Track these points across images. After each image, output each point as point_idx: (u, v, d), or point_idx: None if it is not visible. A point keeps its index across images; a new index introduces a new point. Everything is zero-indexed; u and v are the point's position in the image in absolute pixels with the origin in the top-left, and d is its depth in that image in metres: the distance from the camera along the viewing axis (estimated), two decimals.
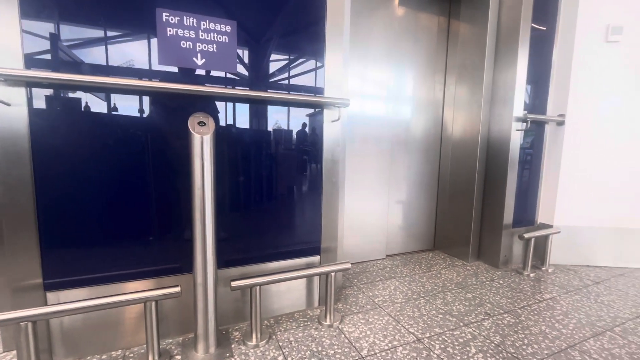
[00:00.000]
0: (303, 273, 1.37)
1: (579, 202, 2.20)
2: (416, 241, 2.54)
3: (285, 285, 1.51)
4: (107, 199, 1.18)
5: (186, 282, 1.32)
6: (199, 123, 1.17)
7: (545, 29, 2.10)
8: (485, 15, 2.11)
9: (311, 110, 1.47)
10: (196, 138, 1.14)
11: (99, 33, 1.11)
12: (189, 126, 1.14)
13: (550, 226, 2.20)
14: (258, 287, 1.29)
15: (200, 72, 1.26)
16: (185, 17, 1.20)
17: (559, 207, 2.22)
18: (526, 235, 2.02)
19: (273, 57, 1.37)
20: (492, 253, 2.22)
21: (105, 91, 1.14)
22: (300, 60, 1.42)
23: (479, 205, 2.25)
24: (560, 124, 2.15)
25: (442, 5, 2.39)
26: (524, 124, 2.07)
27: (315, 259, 1.57)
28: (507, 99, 2.07)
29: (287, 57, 1.40)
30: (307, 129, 1.47)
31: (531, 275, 2.06)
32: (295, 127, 1.45)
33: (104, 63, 1.13)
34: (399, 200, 2.43)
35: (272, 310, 1.50)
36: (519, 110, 2.05)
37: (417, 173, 2.47)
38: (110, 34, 1.13)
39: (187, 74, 1.24)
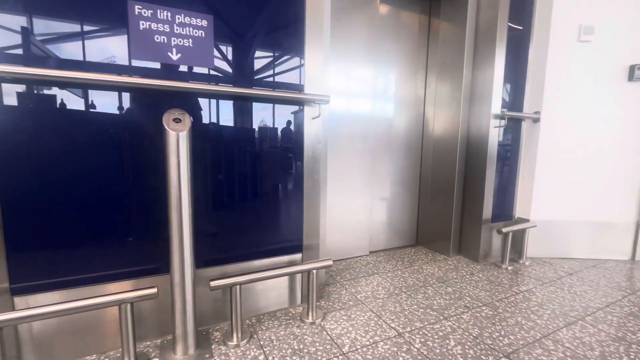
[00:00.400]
0: (283, 271, 1.36)
1: (554, 197, 2.28)
2: (399, 237, 2.57)
3: (267, 284, 1.50)
4: (79, 198, 1.13)
5: (165, 282, 1.29)
6: (174, 120, 1.14)
7: (521, 28, 2.16)
8: (464, 14, 2.14)
9: (292, 108, 1.46)
10: (171, 135, 1.11)
11: (67, 26, 1.07)
12: (164, 123, 1.11)
13: (527, 221, 2.27)
14: (238, 287, 1.27)
15: (178, 67, 1.23)
16: (159, 11, 1.17)
17: (535, 202, 2.29)
18: (504, 230, 2.07)
19: (251, 53, 1.35)
20: (472, 247, 2.27)
21: (72, 86, 1.10)
22: (280, 57, 1.41)
23: (459, 201, 2.29)
24: (536, 120, 2.22)
25: (423, 4, 2.41)
26: (502, 121, 2.12)
27: (297, 256, 1.56)
28: (485, 97, 2.11)
29: (266, 53, 1.38)
30: (287, 126, 1.46)
31: (509, 268, 2.12)
32: (275, 124, 1.43)
33: (73, 57, 1.08)
34: (382, 197, 2.45)
35: (254, 309, 1.49)
36: (496, 107, 2.09)
37: (400, 170, 2.49)
38: (79, 27, 1.08)
39: (161, 69, 1.20)
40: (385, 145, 2.40)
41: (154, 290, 1.16)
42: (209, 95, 1.28)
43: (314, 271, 1.43)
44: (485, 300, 1.67)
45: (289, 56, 1.42)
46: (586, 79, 2.16)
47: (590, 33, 2.08)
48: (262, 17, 1.35)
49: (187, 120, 1.15)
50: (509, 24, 2.09)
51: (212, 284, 1.24)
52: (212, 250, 1.37)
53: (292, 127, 1.47)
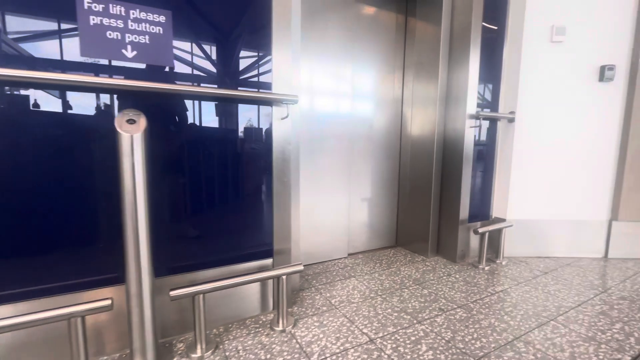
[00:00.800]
0: (248, 278, 1.30)
1: (530, 196, 2.29)
2: (378, 238, 2.55)
3: (237, 291, 1.44)
4: (25, 204, 1.05)
5: (123, 293, 1.22)
6: (127, 121, 1.07)
7: (496, 28, 2.16)
8: (438, 14, 2.13)
9: (260, 108, 1.40)
10: (124, 137, 1.04)
11: (11, 21, 0.99)
12: (116, 125, 1.04)
13: (504, 220, 2.28)
14: (201, 295, 1.21)
15: (134, 65, 1.16)
16: (111, 5, 1.10)
17: (511, 201, 2.30)
18: (480, 230, 2.07)
19: (214, 50, 1.29)
20: (449, 248, 2.26)
21: (14, 85, 1.02)
22: (245, 55, 1.35)
23: (436, 201, 2.28)
24: (511, 120, 2.23)
25: (400, 3, 2.39)
26: (477, 121, 2.11)
27: (268, 261, 1.51)
28: (460, 97, 2.11)
29: (231, 51, 1.32)
30: (254, 127, 1.41)
31: (486, 268, 2.12)
32: (242, 125, 1.38)
33: (16, 53, 1.00)
34: (361, 198, 2.42)
35: (223, 318, 1.43)
36: (472, 107, 2.09)
37: (379, 170, 2.47)
38: (24, 21, 1.00)
39: (115, 67, 1.13)
40: (364, 145, 2.37)
41: (108, 302, 1.09)
42: (168, 94, 1.22)
43: (284, 277, 1.38)
44: (460, 302, 1.65)
45: (254, 55, 1.37)
46: (559, 79, 2.18)
47: (562, 34, 2.10)
48: (226, 14, 1.30)
49: (143, 121, 1.09)
50: (484, 24, 2.09)
51: (172, 293, 1.17)
52: (176, 257, 1.31)
53: (259, 128, 1.42)
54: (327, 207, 2.20)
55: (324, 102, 2.11)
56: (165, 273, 1.28)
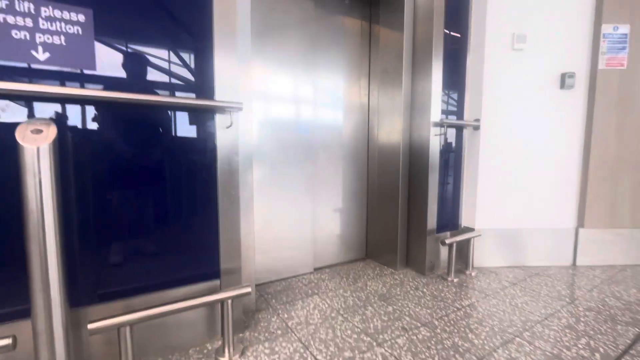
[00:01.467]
0: (182, 305, 1.17)
1: (498, 205, 2.26)
2: (347, 251, 2.45)
3: (176, 318, 1.30)
4: None
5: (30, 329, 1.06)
6: (32, 131, 0.94)
7: (459, 36, 2.14)
8: (401, 22, 2.10)
9: (200, 116, 1.29)
10: (27, 150, 0.91)
11: None
12: (17, 136, 0.91)
13: (472, 230, 2.23)
14: (128, 327, 1.07)
15: (50, 68, 1.03)
16: (17, 1, 0.97)
17: (479, 210, 2.26)
18: (447, 241, 2.01)
19: (146, 53, 1.18)
20: (419, 260, 2.19)
21: None
22: (182, 60, 1.25)
23: (404, 211, 2.21)
24: (476, 128, 2.20)
25: (363, 10, 2.35)
26: (442, 128, 2.07)
27: (215, 283, 1.38)
28: (425, 105, 2.06)
29: (165, 55, 1.21)
30: (196, 137, 1.29)
31: (455, 280, 2.05)
32: (181, 135, 1.26)
33: None
34: (327, 209, 2.32)
35: (163, 348, 1.28)
36: (436, 115, 2.05)
37: (346, 179, 2.39)
38: None
39: (25, 71, 1.00)
40: (330, 154, 2.29)
41: (8, 341, 0.93)
42: (89, 101, 1.09)
43: (229, 301, 1.26)
44: (425, 320, 1.56)
45: (194, 59, 1.27)
46: (522, 86, 2.17)
47: (523, 42, 2.10)
48: (159, 15, 1.19)
49: (52, 131, 0.96)
50: (447, 31, 2.07)
51: (90, 327, 1.02)
52: (104, 283, 1.16)
53: (201, 138, 1.30)
54: (290, 219, 2.09)
55: (284, 110, 2.02)
56: (87, 302, 1.13)
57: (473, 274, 2.16)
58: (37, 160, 0.92)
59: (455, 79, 2.16)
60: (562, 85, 2.15)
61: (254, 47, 1.83)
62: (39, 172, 0.93)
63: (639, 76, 2.17)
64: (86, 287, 1.13)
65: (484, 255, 2.29)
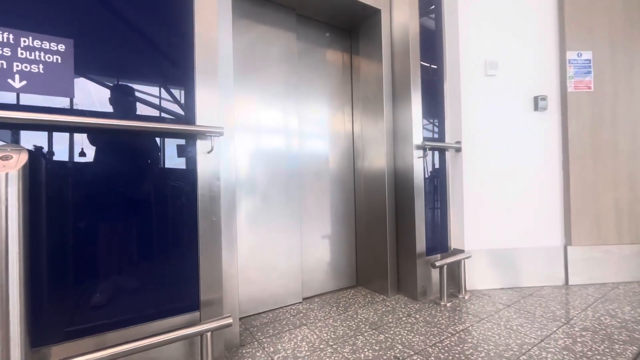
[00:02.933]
0: (158, 340, 1.09)
1: (485, 225, 2.26)
2: (337, 278, 2.37)
3: (154, 354, 1.21)
4: None
5: None
6: (2, 157, 0.92)
7: (435, 67, 2.25)
8: (379, 54, 2.20)
9: (180, 141, 1.29)
10: None
11: None
12: None
13: (462, 251, 2.20)
14: None
15: (28, 95, 1.03)
16: None
17: (467, 231, 2.25)
18: (437, 263, 1.97)
19: (126, 81, 1.19)
20: (410, 285, 2.13)
21: None
22: (164, 88, 1.26)
23: (392, 236, 2.19)
24: (459, 150, 2.25)
25: (344, 42, 2.47)
26: (424, 151, 2.11)
27: (194, 315, 1.30)
28: (407, 130, 2.11)
29: (146, 82, 1.23)
30: (174, 162, 1.28)
31: (448, 305, 1.99)
32: (158, 161, 1.25)
33: None
34: (315, 236, 2.28)
35: None
36: (418, 138, 2.09)
37: (333, 206, 2.37)
38: None
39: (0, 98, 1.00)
40: (315, 181, 2.28)
41: None
42: (65, 127, 1.08)
43: (208, 334, 1.18)
44: (418, 348, 1.49)
45: (174, 87, 1.29)
46: (498, 110, 2.26)
47: (495, 68, 2.22)
48: (139, 44, 1.22)
49: (22, 157, 0.94)
50: (423, 63, 2.17)
51: None
52: (73, 319, 1.09)
53: (181, 163, 1.29)
54: (277, 247, 2.04)
55: (270, 139, 2.04)
56: (55, 340, 1.05)
57: (466, 297, 2.10)
58: (5, 187, 0.89)
59: (434, 105, 2.24)
60: (536, 107, 2.25)
61: (239, 78, 1.88)
62: (6, 200, 0.89)
63: (606, 98, 2.29)
64: (53, 323, 1.05)
65: (476, 277, 2.24)
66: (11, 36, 1.01)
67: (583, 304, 1.95)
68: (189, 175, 1.29)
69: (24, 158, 0.93)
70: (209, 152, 1.32)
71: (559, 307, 1.91)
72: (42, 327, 1.03)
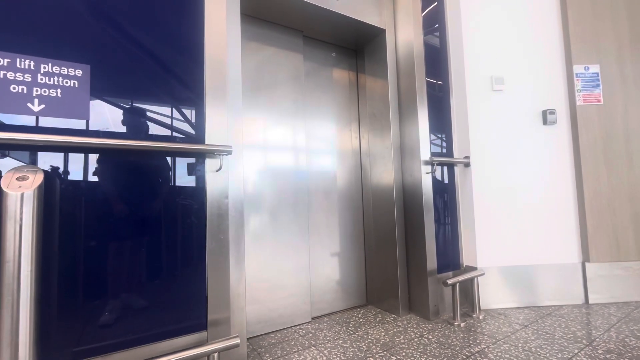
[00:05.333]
0: None
1: (498, 241, 2.20)
2: (347, 298, 2.33)
3: None
4: None
5: None
6: (18, 178, 0.95)
7: (441, 83, 2.27)
8: (385, 71, 2.23)
9: (190, 160, 1.31)
10: (10, 197, 0.91)
11: None
12: (2, 184, 0.92)
13: (475, 268, 2.15)
14: None
15: (47, 118, 1.07)
16: (18, 59, 1.05)
17: (480, 248, 2.19)
18: (449, 281, 1.92)
19: (139, 102, 1.24)
20: (422, 304, 2.07)
21: None
22: (174, 108, 1.30)
23: (402, 253, 2.15)
24: (467, 165, 2.23)
25: (350, 61, 2.52)
26: (432, 167, 2.10)
27: (201, 335, 1.28)
28: (414, 146, 2.11)
29: (158, 103, 1.27)
30: (184, 181, 1.30)
31: (462, 325, 1.92)
32: (169, 180, 1.27)
33: None
34: (324, 254, 2.25)
35: None
36: (426, 154, 2.09)
37: (342, 223, 2.35)
38: None
39: (20, 121, 1.04)
40: (323, 198, 2.28)
41: None
42: (80, 148, 1.11)
43: (215, 355, 1.16)
44: None
45: (185, 109, 1.32)
46: (506, 124, 2.25)
47: (501, 83, 2.22)
48: (152, 68, 1.27)
49: (39, 178, 0.97)
50: (429, 79, 2.19)
51: None
52: (81, 339, 1.08)
53: (191, 182, 1.31)
54: (285, 266, 2.02)
55: (278, 156, 2.06)
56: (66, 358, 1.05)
57: (481, 316, 2.03)
58: (20, 207, 0.92)
59: (441, 120, 2.24)
60: (545, 121, 2.23)
61: (249, 98, 1.93)
62: (21, 219, 0.91)
63: (617, 110, 2.26)
64: (62, 343, 1.05)
65: (490, 295, 2.17)
66: (32, 63, 1.06)
67: (605, 325, 1.86)
68: (197, 194, 1.31)
69: (39, 178, 0.96)
70: (217, 171, 1.34)
71: (580, 328, 1.83)
72: (51, 347, 1.03)
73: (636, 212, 2.22)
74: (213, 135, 1.36)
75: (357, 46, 2.49)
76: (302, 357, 1.61)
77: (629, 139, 2.25)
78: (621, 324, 1.86)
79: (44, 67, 1.08)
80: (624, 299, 2.18)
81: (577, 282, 2.20)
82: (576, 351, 1.57)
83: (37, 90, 1.06)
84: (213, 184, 1.34)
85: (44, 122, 1.07)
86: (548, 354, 1.55)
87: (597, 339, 1.69)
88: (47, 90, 1.08)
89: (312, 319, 2.12)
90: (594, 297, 2.17)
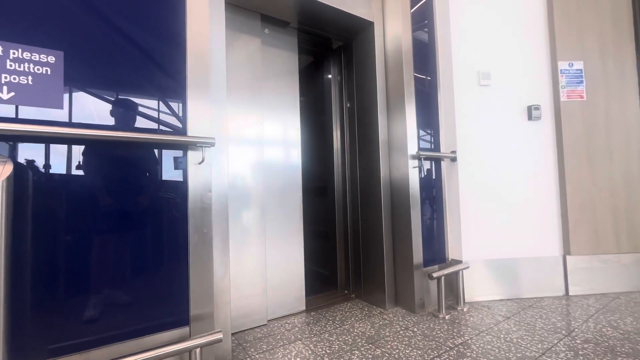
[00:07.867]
0: (143, 356, 1.05)
1: (483, 235, 2.23)
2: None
3: None
4: None
5: None
6: None
7: (428, 78, 2.27)
8: (373, 66, 2.21)
9: (170, 152, 1.28)
10: None
11: None
12: None
13: (460, 262, 2.17)
14: None
15: (11, 108, 1.02)
16: None
17: (465, 241, 2.22)
18: (435, 275, 1.93)
19: (116, 92, 1.19)
20: (408, 297, 2.09)
21: None
22: (152, 96, 1.26)
23: (389, 247, 2.16)
24: (454, 160, 2.24)
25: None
26: (419, 161, 2.10)
27: (184, 330, 1.26)
28: (401, 140, 2.11)
29: (136, 94, 1.23)
30: (165, 174, 1.27)
31: (446, 317, 1.95)
32: (148, 172, 1.23)
33: None
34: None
35: None
36: (413, 148, 2.09)
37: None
38: None
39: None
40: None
41: None
42: (51, 138, 1.07)
43: (197, 350, 1.14)
44: None
45: (165, 100, 1.28)
46: (492, 119, 2.27)
47: (488, 78, 2.24)
48: (131, 56, 1.22)
49: (7, 168, 0.92)
50: (417, 74, 2.18)
51: None
52: (61, 334, 1.05)
53: (172, 175, 1.28)
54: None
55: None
56: (39, 358, 1.01)
57: (465, 309, 2.06)
58: None
59: (428, 115, 2.24)
60: (530, 117, 2.26)
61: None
62: None
63: (599, 106, 2.30)
64: (37, 340, 1.02)
65: (475, 288, 2.21)
66: (0, 48, 1.01)
67: (584, 315, 1.91)
68: (179, 187, 1.28)
69: (8, 169, 0.92)
70: (200, 163, 1.31)
71: (560, 319, 1.87)
72: (26, 345, 1.00)
73: (616, 205, 2.28)
74: (195, 127, 1.33)
75: (346, 39, 2.46)
76: (288, 351, 1.60)
77: (610, 134, 2.30)
78: (599, 314, 1.92)
79: (14, 53, 1.02)
80: (602, 291, 2.25)
81: (558, 275, 2.25)
82: (556, 341, 1.61)
83: (5, 77, 1.01)
84: (195, 177, 1.31)
85: (14, 111, 1.02)
86: (529, 345, 1.58)
87: (576, 330, 1.73)
88: (16, 77, 1.02)
89: (302, 311, 2.11)
90: (574, 289, 2.23)
